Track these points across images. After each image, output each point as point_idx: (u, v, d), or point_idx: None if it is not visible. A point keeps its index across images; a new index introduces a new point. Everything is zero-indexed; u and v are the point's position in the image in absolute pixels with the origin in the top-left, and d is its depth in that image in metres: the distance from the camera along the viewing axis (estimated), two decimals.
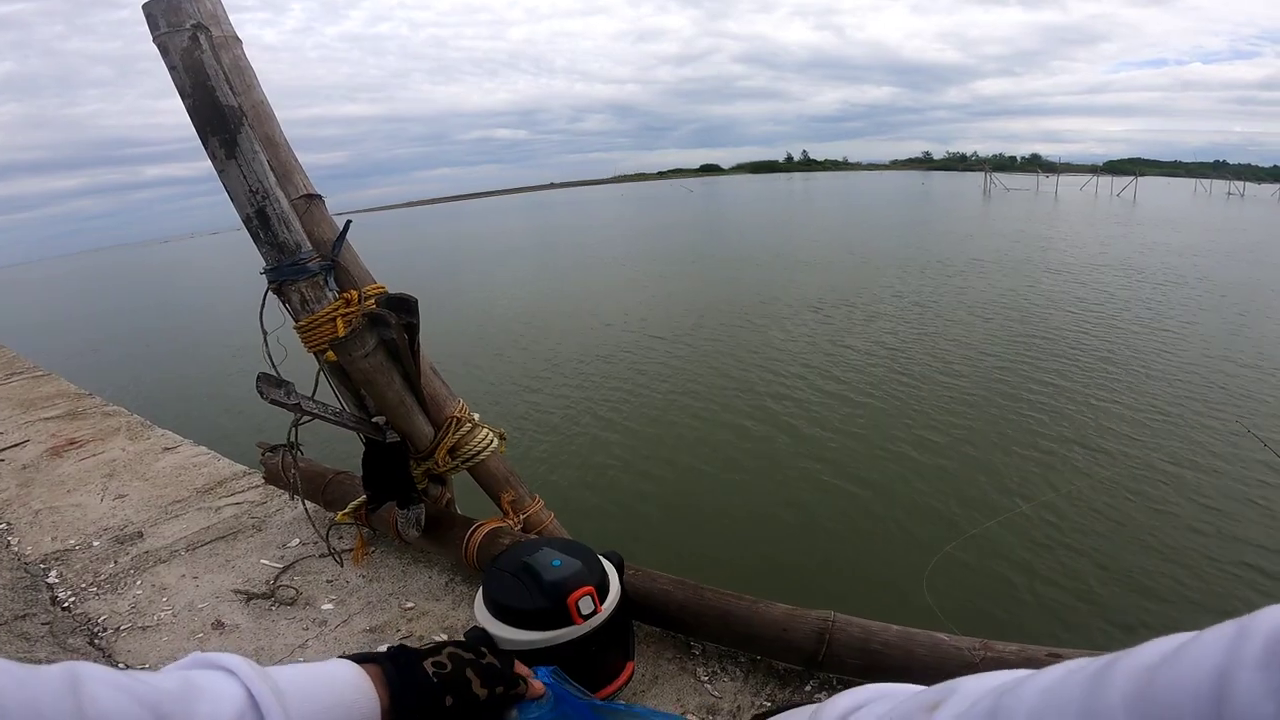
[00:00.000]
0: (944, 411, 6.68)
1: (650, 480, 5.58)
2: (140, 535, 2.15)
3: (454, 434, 1.54)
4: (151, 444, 3.09)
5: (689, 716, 1.26)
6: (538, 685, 0.77)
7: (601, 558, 1.17)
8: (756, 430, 6.51)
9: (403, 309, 1.39)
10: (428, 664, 0.66)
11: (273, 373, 1.44)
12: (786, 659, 1.34)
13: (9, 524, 2.32)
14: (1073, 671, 0.33)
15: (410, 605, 1.63)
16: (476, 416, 1.61)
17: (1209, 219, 28.20)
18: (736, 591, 1.37)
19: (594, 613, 1.04)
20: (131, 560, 1.99)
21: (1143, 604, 3.65)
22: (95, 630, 1.64)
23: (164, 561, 1.97)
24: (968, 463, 5.54)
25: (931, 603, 3.12)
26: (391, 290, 1.55)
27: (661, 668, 1.39)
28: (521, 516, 1.64)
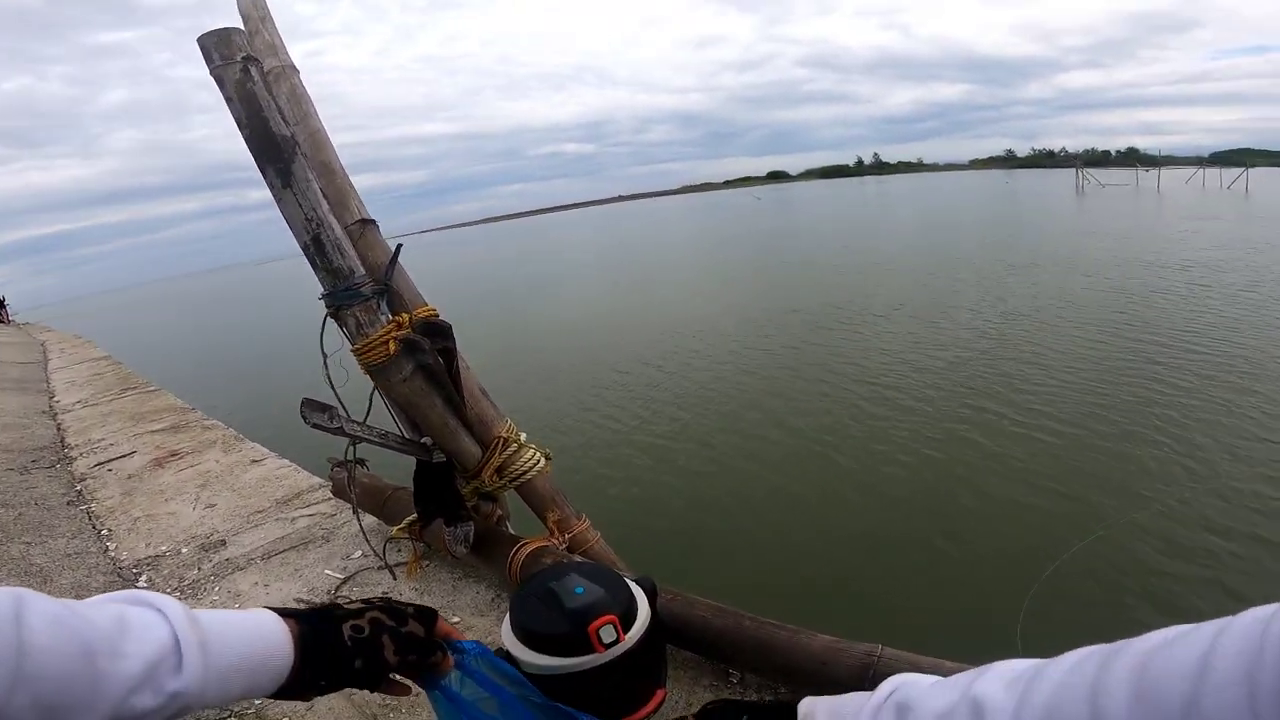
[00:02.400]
0: (1024, 425, 6.25)
1: (707, 499, 5.43)
2: (224, 543, 2.30)
3: (500, 454, 1.56)
4: (242, 456, 3.30)
5: None
6: (448, 662, 0.78)
7: (632, 583, 1.14)
8: (815, 447, 6.25)
9: (437, 334, 1.42)
10: (347, 626, 0.66)
11: (334, 393, 1.51)
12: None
13: (110, 530, 2.52)
14: (1090, 654, 0.41)
15: (456, 620, 1.66)
16: (524, 436, 1.63)
17: None
18: (780, 620, 1.31)
19: (616, 641, 1.02)
20: (214, 567, 2.12)
21: None
22: None
23: (241, 569, 2.09)
24: (1059, 481, 5.15)
25: (1021, 635, 2.84)
26: (443, 313, 1.59)
27: (697, 695, 1.36)
28: (567, 536, 1.64)
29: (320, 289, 1.52)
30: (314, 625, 0.65)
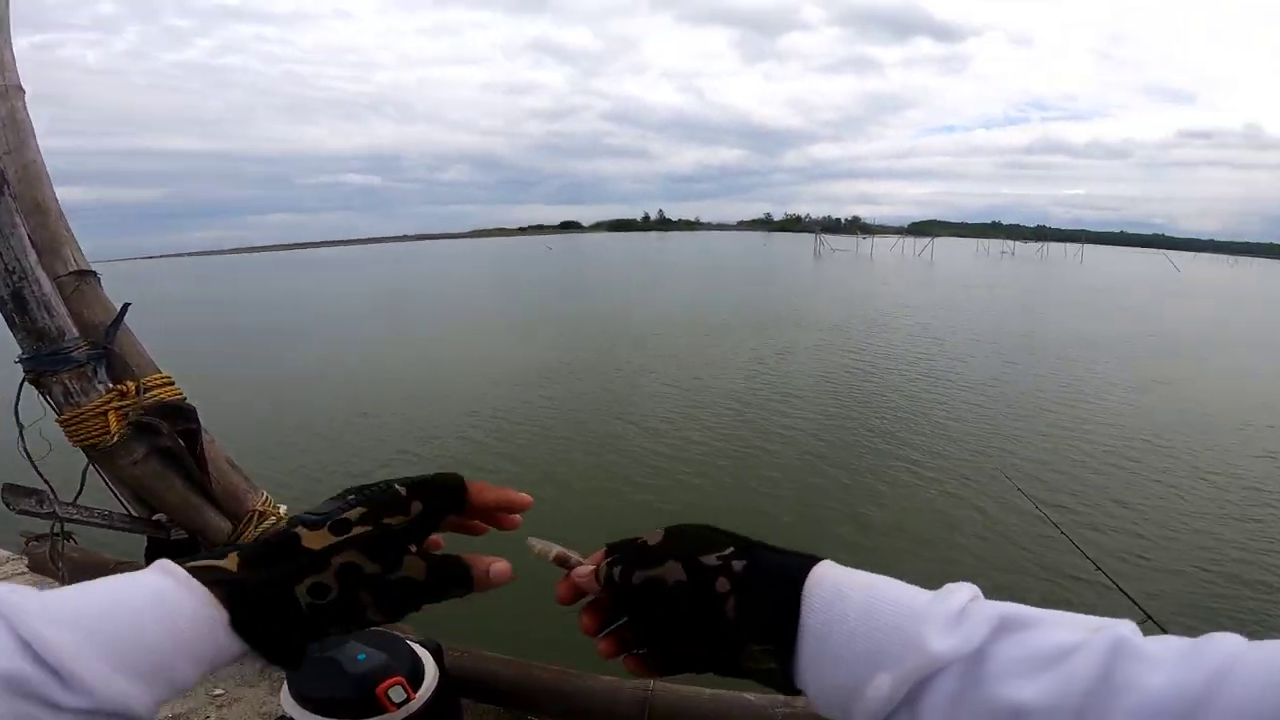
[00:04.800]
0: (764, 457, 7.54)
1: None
2: None
3: (255, 528, 1.43)
4: None
5: None
6: (490, 569, 0.53)
7: (415, 645, 1.13)
8: (597, 484, 6.91)
9: (178, 417, 1.28)
10: (304, 588, 0.45)
11: (33, 469, 1.28)
12: None
13: None
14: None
15: (219, 691, 1.51)
16: (283, 509, 1.51)
17: (983, 276, 34.02)
18: (563, 667, 1.38)
19: (407, 700, 1.01)
20: None
21: None
22: None
23: None
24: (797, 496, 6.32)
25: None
26: (178, 379, 1.42)
27: None
28: None
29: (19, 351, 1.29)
30: (251, 599, 0.43)
